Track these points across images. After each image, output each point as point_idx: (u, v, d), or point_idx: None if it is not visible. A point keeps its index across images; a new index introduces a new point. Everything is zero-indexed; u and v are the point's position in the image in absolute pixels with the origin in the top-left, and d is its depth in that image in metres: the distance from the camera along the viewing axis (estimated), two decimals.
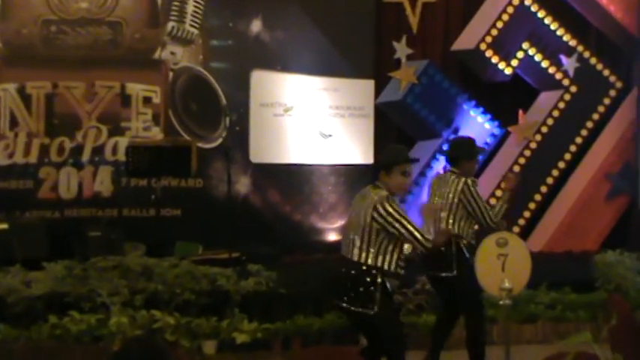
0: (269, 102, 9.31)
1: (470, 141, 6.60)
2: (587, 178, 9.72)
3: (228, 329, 6.76)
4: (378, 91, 9.59)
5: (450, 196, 6.18)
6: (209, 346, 6.74)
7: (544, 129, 9.62)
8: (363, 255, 5.24)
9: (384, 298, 5.22)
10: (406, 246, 5.37)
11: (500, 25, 9.42)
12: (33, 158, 8.78)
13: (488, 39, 9.39)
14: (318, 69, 9.42)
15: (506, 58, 9.46)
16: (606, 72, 9.79)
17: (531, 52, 9.53)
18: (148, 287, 6.91)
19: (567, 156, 9.67)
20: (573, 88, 9.67)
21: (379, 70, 9.65)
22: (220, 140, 9.06)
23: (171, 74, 9.11)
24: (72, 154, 8.84)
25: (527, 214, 9.55)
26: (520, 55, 9.51)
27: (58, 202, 8.78)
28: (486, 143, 9.57)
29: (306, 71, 9.40)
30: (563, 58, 9.64)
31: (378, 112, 9.64)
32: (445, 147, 8.67)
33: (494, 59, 9.41)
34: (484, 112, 9.53)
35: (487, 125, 9.55)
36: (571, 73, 9.64)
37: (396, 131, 9.61)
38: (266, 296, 7.08)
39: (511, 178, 6.90)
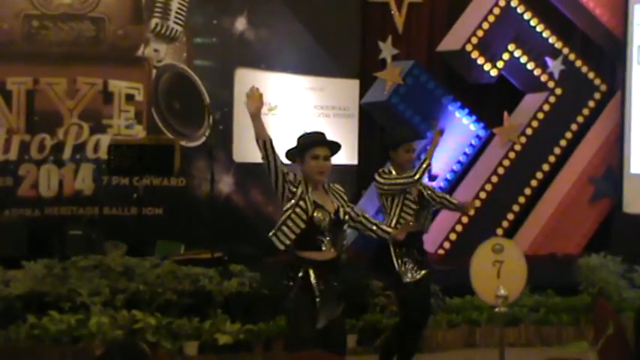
0: None
1: (397, 130, 6.32)
2: (571, 180, 9.74)
3: (211, 330, 6.69)
4: (363, 91, 9.56)
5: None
6: (191, 347, 6.66)
7: (529, 131, 9.62)
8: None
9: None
10: None
11: (486, 26, 9.42)
12: (13, 155, 8.67)
13: (474, 40, 9.38)
14: (303, 68, 9.39)
15: (492, 59, 9.46)
16: (591, 75, 9.82)
17: (517, 53, 9.54)
18: (129, 287, 6.82)
19: (551, 158, 9.69)
20: (558, 91, 9.68)
21: (364, 70, 9.62)
22: (203, 139, 8.98)
23: (154, 72, 9.04)
24: (53, 152, 8.75)
25: (510, 216, 9.55)
26: (506, 56, 9.51)
27: (38, 200, 8.68)
28: (471, 145, 9.57)
29: (290, 70, 9.37)
30: (549, 61, 9.65)
31: (363, 112, 9.61)
32: None
33: (480, 60, 9.40)
34: (469, 114, 9.51)
35: (472, 127, 9.54)
36: (556, 75, 9.66)
37: (380, 132, 9.56)
38: (249, 297, 7.00)
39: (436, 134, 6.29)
